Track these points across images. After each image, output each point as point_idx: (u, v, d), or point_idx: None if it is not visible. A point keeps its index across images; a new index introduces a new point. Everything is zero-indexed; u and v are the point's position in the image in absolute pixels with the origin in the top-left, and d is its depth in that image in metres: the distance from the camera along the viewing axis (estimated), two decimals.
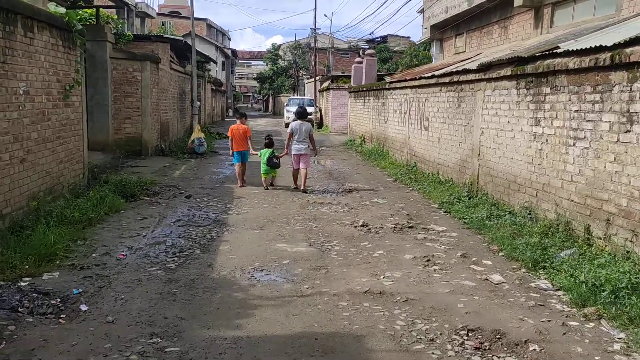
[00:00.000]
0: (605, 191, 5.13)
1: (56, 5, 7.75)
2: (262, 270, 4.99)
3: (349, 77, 25.86)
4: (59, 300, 4.02)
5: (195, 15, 21.39)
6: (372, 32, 76.61)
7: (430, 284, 4.68)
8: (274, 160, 9.59)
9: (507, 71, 7.06)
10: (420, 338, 3.60)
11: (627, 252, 4.68)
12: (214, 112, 34.36)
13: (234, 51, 61.82)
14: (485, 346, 3.50)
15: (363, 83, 20.06)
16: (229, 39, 62.76)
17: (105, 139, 12.32)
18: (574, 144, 5.69)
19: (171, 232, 6.32)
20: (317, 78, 33.48)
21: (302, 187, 9.39)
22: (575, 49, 5.70)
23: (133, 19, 31.69)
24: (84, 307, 3.92)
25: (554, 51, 6.09)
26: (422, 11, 35.04)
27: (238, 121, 10.11)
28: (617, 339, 3.63)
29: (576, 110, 5.67)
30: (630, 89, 4.79)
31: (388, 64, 41.05)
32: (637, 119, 4.72)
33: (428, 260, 5.35)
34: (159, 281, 4.58)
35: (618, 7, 8.76)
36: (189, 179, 10.53)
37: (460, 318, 3.93)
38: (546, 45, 7.04)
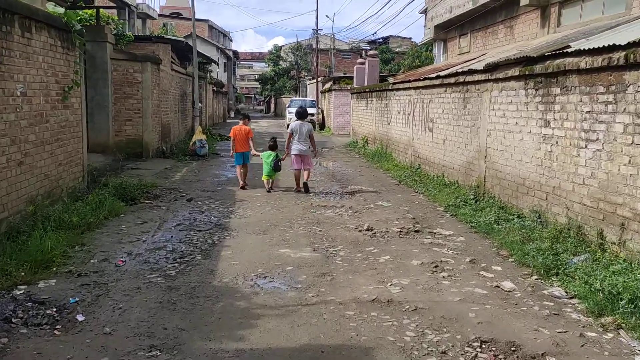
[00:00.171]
0: (619, 195, 4.96)
1: (55, 5, 7.58)
2: (265, 277, 4.83)
3: (351, 78, 25.75)
4: (54, 309, 3.87)
5: (197, 17, 21.30)
6: (375, 33, 76.56)
7: (440, 292, 4.51)
8: (279, 163, 9.55)
9: (515, 71, 6.89)
10: (431, 350, 3.44)
11: None
12: (216, 114, 34.24)
13: (235, 52, 61.74)
14: (500, 359, 3.34)
15: (365, 84, 19.91)
16: (231, 40, 62.72)
17: (105, 141, 12.19)
18: (586, 146, 5.52)
19: (172, 236, 6.17)
20: (319, 79, 33.37)
21: (299, 187, 9.40)
22: (586, 48, 5.54)
23: (134, 20, 31.62)
24: (80, 318, 3.77)
25: (565, 50, 5.92)
26: (424, 12, 34.92)
27: (241, 122, 10.12)
28: (637, 351, 3.46)
29: (588, 111, 5.50)
30: None
31: (390, 65, 40.92)
32: None
33: (436, 267, 5.19)
34: (158, 289, 4.42)
35: (628, 6, 8.59)
36: (191, 181, 10.39)
37: (473, 328, 3.76)
38: (555, 44, 6.88)
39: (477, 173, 8.31)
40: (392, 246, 5.97)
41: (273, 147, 9.77)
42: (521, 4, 10.93)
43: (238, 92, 70.65)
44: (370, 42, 47.04)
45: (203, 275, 4.82)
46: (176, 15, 47.11)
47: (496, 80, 7.57)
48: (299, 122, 9.54)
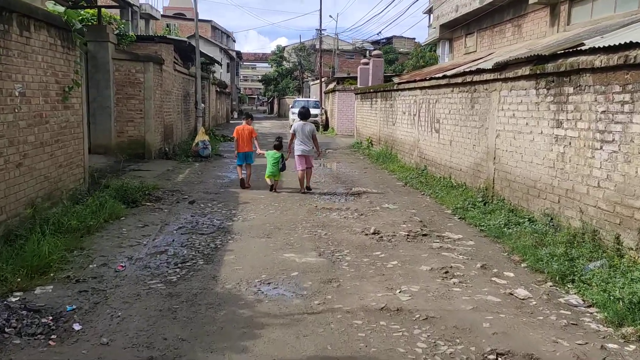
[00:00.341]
0: (637, 198, 4.77)
1: (55, 4, 7.46)
2: (269, 283, 4.67)
3: (354, 78, 25.57)
4: (50, 318, 3.71)
5: (200, 17, 21.17)
6: (380, 32, 76.36)
7: (451, 300, 4.33)
8: (284, 163, 9.55)
9: (525, 70, 6.71)
10: None
11: None
12: (219, 115, 34.12)
13: (238, 53, 61.65)
14: None
15: (370, 84, 19.74)
16: (234, 41, 62.64)
17: (107, 142, 12.05)
18: (601, 148, 5.33)
19: (173, 240, 6.01)
20: (323, 80, 33.20)
21: (303, 188, 9.32)
22: (601, 46, 5.35)
23: (137, 20, 31.54)
24: (77, 327, 3.61)
25: (578, 48, 5.73)
26: (428, 12, 34.75)
27: (244, 122, 10.08)
28: None
29: (603, 112, 5.31)
30: None
31: (394, 65, 40.73)
32: None
33: (446, 272, 5.01)
34: (158, 296, 4.26)
35: None
36: (193, 183, 10.24)
37: (487, 340, 3.58)
38: (567, 42, 6.69)
39: (485, 175, 8.12)
40: (400, 251, 5.79)
41: (278, 146, 9.74)
42: (530, 2, 10.73)
43: (241, 92, 70.61)
44: (374, 43, 46.87)
45: (205, 281, 4.66)
46: (179, 16, 47.03)
47: (505, 80, 7.38)
48: (301, 122, 9.51)
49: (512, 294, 4.47)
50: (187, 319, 3.82)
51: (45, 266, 4.64)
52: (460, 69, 9.95)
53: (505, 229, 6.38)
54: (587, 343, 3.56)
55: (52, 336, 3.46)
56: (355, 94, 21.16)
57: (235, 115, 44.97)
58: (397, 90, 13.72)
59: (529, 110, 6.76)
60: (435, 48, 31.78)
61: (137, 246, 5.70)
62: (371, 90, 17.69)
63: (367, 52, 37.30)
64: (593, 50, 5.48)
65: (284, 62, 55.30)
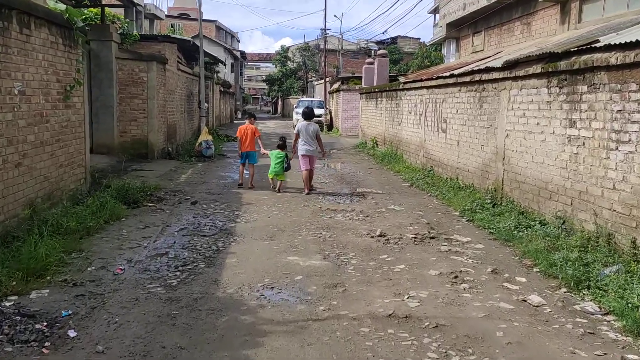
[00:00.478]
0: None
1: (56, 2, 7.34)
2: (272, 287, 4.51)
3: (359, 78, 25.40)
4: (45, 324, 3.56)
5: (205, 18, 21.08)
6: (386, 31, 76.01)
7: (462, 306, 4.16)
8: (289, 163, 9.49)
9: (536, 68, 6.52)
10: None
11: None
12: (223, 114, 34.02)
13: (243, 53, 61.61)
14: None
15: (375, 84, 19.56)
16: (238, 41, 62.62)
17: (110, 141, 11.94)
18: (617, 148, 5.14)
19: (174, 242, 5.86)
20: (327, 79, 33.04)
21: (305, 190, 9.20)
22: (617, 43, 5.16)
23: (142, 20, 31.52)
24: (72, 333, 3.46)
25: (592, 45, 5.54)
26: (434, 11, 34.53)
27: (247, 121, 10.02)
28: None
29: (619, 111, 5.12)
30: None
31: (398, 65, 40.49)
32: None
33: (456, 277, 4.83)
34: (158, 301, 4.11)
35: None
36: (196, 183, 10.10)
37: (502, 350, 3.41)
38: (580, 40, 6.50)
39: (494, 176, 7.93)
40: (407, 254, 5.62)
41: (282, 146, 9.69)
42: (539, 0, 10.52)
43: (245, 92, 70.54)
44: (378, 43, 46.64)
45: (206, 285, 4.51)
46: (184, 16, 47.02)
47: (515, 78, 7.19)
48: (305, 122, 9.43)
49: (525, 301, 4.29)
50: (187, 326, 3.67)
51: (42, 269, 4.50)
52: (468, 68, 9.76)
53: (515, 232, 6.20)
54: (606, 354, 3.38)
55: (46, 343, 3.32)
56: (360, 93, 20.98)
57: (239, 115, 44.87)
58: (403, 89, 13.54)
59: (540, 109, 6.57)
60: (440, 48, 31.56)
61: (137, 248, 5.56)
62: (376, 90, 17.50)
63: (372, 51, 37.09)
64: (608, 48, 5.29)
65: (288, 62, 55.15)
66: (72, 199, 7.13)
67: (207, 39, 35.15)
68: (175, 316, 3.82)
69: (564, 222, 5.93)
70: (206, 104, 18.79)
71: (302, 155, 9.28)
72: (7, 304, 3.88)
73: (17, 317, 3.59)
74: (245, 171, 9.97)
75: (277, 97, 61.26)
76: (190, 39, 19.60)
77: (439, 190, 9.23)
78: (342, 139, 22.68)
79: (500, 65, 7.61)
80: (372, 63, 21.71)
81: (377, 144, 16.95)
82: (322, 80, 34.51)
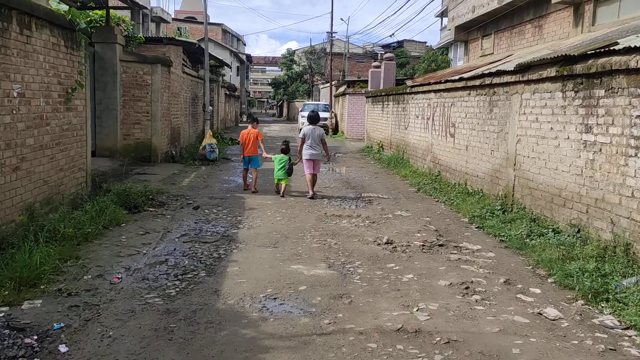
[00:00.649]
0: None
1: (59, 2, 7.22)
2: (275, 298, 4.31)
3: (365, 81, 25.20)
4: (35, 338, 3.38)
5: (212, 21, 21.01)
6: (393, 34, 75.77)
7: (474, 320, 3.94)
8: (292, 167, 9.40)
9: (551, 72, 6.30)
10: None
11: None
12: (228, 118, 33.95)
13: (248, 56, 61.64)
14: None
15: (381, 88, 19.36)
16: (244, 44, 62.65)
17: (113, 144, 11.82)
18: (636, 155, 4.91)
19: (175, 249, 5.69)
20: (333, 83, 32.89)
21: (310, 193, 9.08)
22: (637, 46, 4.94)
23: (148, 23, 31.51)
24: (63, 349, 3.28)
25: (611, 48, 5.32)
26: (441, 15, 34.33)
27: (250, 126, 9.94)
28: None
29: (638, 116, 4.90)
30: None
31: (405, 69, 40.28)
32: None
33: (467, 288, 4.62)
34: (155, 312, 3.93)
35: None
36: (198, 187, 9.94)
37: None
38: (596, 42, 6.27)
39: (504, 182, 7.71)
40: (415, 263, 5.41)
41: (285, 150, 9.58)
42: (552, 2, 10.29)
43: (251, 96, 70.62)
44: (385, 46, 46.48)
45: (206, 295, 4.32)
46: (190, 20, 47.07)
47: (528, 82, 6.98)
48: (311, 126, 9.31)
49: (541, 314, 4.07)
50: (184, 340, 3.48)
51: (36, 277, 4.33)
52: (478, 71, 9.55)
53: (527, 240, 5.98)
54: None
55: (35, 359, 3.14)
56: (366, 97, 20.80)
57: (244, 119, 44.81)
58: (410, 93, 13.34)
59: (554, 114, 6.35)
60: (447, 51, 31.34)
61: (136, 255, 5.39)
62: (382, 94, 17.31)
63: (379, 55, 36.96)
64: (627, 50, 5.07)
65: (294, 66, 55.11)
66: (72, 204, 6.97)
67: (213, 42, 35.15)
68: (172, 330, 3.63)
69: (578, 230, 5.70)
70: (211, 107, 18.68)
71: (307, 159, 9.15)
72: None
73: (6, 331, 3.41)
74: (249, 175, 9.86)
75: (282, 100, 61.24)
76: (195, 41, 19.50)
77: (447, 196, 9.01)
78: (348, 143, 22.49)
79: (512, 69, 7.40)
80: (378, 66, 21.53)
81: (383, 148, 16.75)
82: (328, 84, 34.36)
